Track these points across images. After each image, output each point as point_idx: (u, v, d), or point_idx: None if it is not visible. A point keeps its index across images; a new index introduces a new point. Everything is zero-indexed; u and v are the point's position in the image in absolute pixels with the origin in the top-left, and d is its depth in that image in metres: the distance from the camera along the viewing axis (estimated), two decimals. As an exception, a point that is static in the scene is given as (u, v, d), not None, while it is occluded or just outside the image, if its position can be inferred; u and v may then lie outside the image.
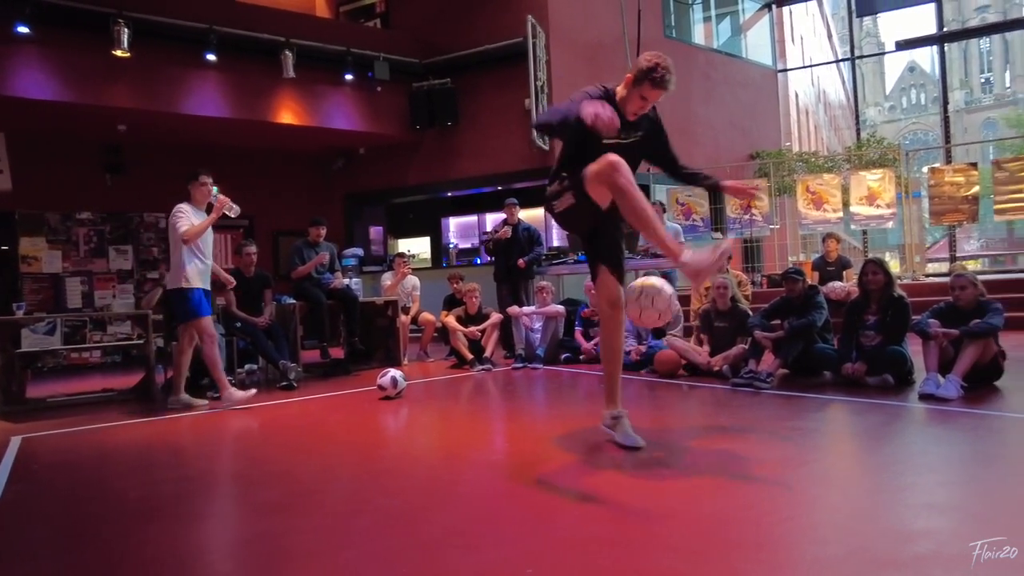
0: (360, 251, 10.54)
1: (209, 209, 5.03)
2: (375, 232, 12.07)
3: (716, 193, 10.77)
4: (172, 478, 3.17)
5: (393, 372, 5.04)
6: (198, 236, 4.90)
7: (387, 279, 7.84)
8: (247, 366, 6.53)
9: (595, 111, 2.59)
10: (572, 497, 2.59)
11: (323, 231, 6.94)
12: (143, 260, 9.95)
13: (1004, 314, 4.23)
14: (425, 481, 2.94)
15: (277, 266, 10.86)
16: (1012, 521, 2.09)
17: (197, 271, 4.93)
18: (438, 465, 3.23)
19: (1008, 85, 62.33)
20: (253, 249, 6.39)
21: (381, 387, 4.97)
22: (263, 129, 9.69)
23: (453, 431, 4.10)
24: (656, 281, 3.21)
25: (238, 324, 6.09)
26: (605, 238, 3.30)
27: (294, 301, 6.65)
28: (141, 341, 5.94)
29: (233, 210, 4.99)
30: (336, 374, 6.52)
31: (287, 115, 9.55)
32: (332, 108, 9.99)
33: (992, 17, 56.39)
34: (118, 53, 7.81)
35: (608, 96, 3.07)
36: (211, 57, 8.59)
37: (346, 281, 7.17)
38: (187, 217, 4.90)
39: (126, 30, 7.81)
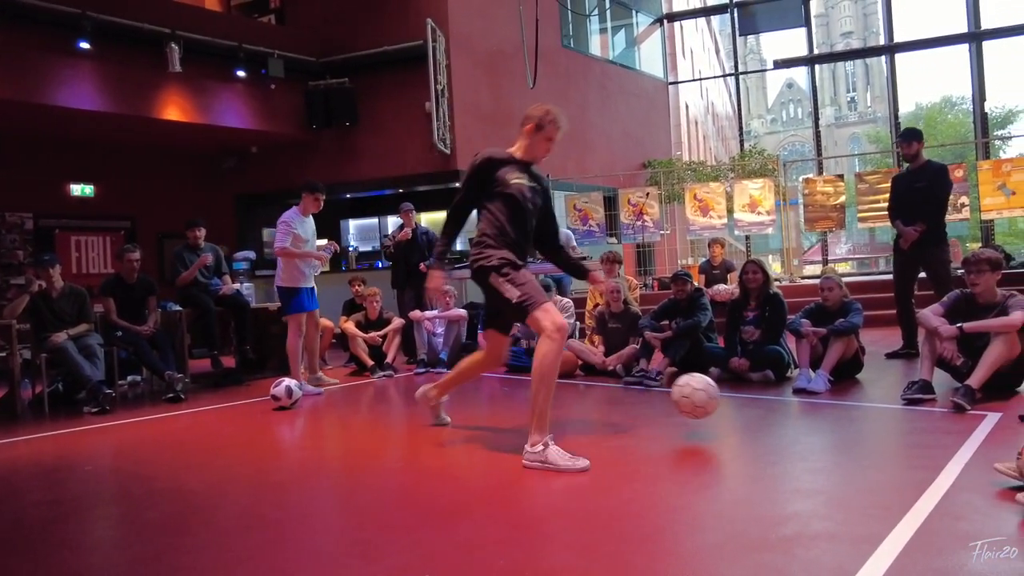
0: (252, 254, 10.11)
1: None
2: (268, 234, 11.63)
3: (611, 201, 11.22)
4: (43, 501, 2.93)
5: (288, 381, 4.89)
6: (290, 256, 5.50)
7: None
8: (130, 377, 6.14)
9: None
10: (471, 501, 2.63)
11: (202, 232, 6.57)
12: (6, 265, 9.09)
13: (864, 313, 4.68)
14: (322, 492, 2.89)
15: (162, 271, 10.24)
16: (865, 501, 2.33)
17: (300, 272, 5.48)
18: (336, 475, 3.18)
19: (869, 104, 68.48)
20: (136, 255, 5.98)
21: (275, 397, 4.81)
22: (146, 125, 9.11)
23: (352, 440, 4.04)
24: (695, 383, 3.36)
25: (119, 333, 5.71)
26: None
27: (180, 308, 6.31)
28: (4, 354, 5.44)
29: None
30: (227, 384, 6.23)
31: (173, 111, 9.03)
32: (223, 105, 9.55)
33: (855, 43, 61.97)
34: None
35: (512, 160, 3.28)
36: (85, 45, 7.99)
37: (236, 286, 6.87)
38: (287, 232, 5.38)
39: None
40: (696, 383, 3.35)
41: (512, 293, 3.02)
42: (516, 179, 3.21)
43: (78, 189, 9.87)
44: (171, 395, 5.38)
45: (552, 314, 2.99)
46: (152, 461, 3.65)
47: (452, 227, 3.40)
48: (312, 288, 5.71)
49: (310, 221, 5.66)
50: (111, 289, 5.84)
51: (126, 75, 8.55)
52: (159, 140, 9.99)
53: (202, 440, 4.13)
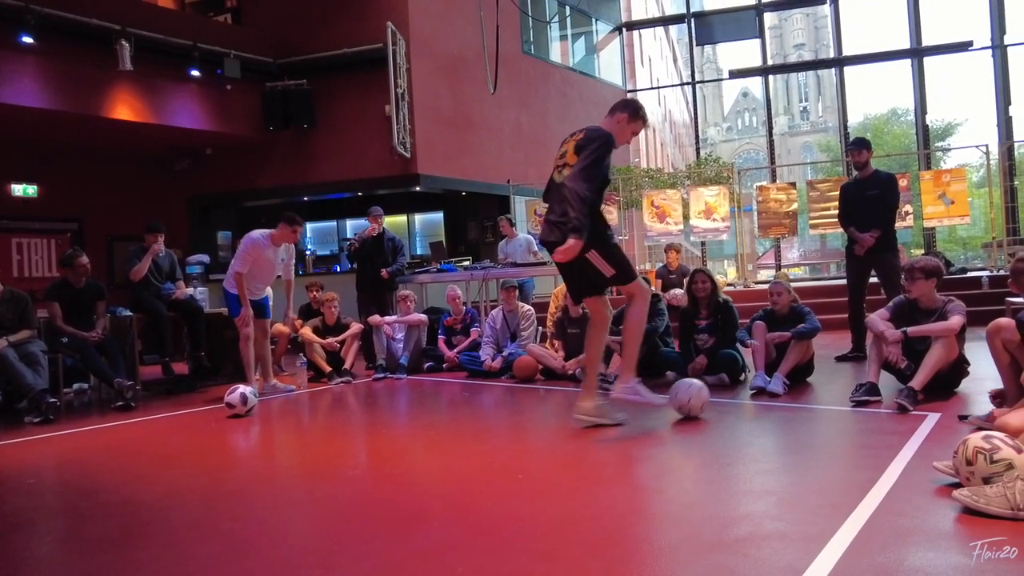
0: (206, 258, 9.90)
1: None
2: (223, 237, 11.40)
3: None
4: (-19, 516, 2.81)
5: (243, 388, 4.79)
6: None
7: None
8: (76, 385, 5.93)
9: None
10: (429, 507, 2.63)
11: (159, 238, 6.25)
12: (-57, 267, 8.70)
13: (817, 316, 4.82)
14: (279, 501, 2.84)
15: (112, 275, 9.94)
16: (814, 500, 2.40)
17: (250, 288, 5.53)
18: (293, 484, 3.13)
19: (821, 114, 70.70)
20: (85, 260, 5.74)
21: (230, 404, 4.70)
22: (95, 124, 8.82)
23: (309, 448, 3.98)
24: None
25: (64, 339, 5.50)
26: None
27: (131, 313, 6.12)
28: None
29: None
30: (180, 392, 6.07)
31: (124, 111, 8.77)
32: (176, 105, 9.32)
33: (807, 55, 63.97)
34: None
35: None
36: (27, 40, 7.70)
37: (190, 291, 6.70)
38: (248, 259, 5.43)
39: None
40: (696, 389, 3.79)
41: (607, 269, 3.57)
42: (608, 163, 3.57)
43: (20, 189, 9.50)
44: (121, 403, 5.21)
45: (641, 282, 3.72)
46: (99, 473, 3.53)
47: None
48: (263, 299, 5.80)
49: (282, 248, 5.64)
50: (57, 293, 5.62)
51: (73, 72, 8.27)
52: (109, 140, 9.68)
53: (153, 450, 4.02)
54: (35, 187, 9.62)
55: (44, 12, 7.80)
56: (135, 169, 10.55)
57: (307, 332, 6.44)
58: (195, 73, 9.17)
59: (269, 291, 6.05)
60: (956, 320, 3.81)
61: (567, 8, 14.21)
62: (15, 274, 9.27)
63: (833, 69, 16.15)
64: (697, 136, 17.10)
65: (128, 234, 10.26)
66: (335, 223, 12.13)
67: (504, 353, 6.09)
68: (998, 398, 3.27)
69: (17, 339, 5.11)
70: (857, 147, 5.84)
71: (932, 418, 3.45)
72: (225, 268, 10.46)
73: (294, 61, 10.07)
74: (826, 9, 16.05)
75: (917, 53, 13.44)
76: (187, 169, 10.75)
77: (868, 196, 5.71)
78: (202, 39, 9.25)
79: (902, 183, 9.59)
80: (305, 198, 11.21)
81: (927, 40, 13.55)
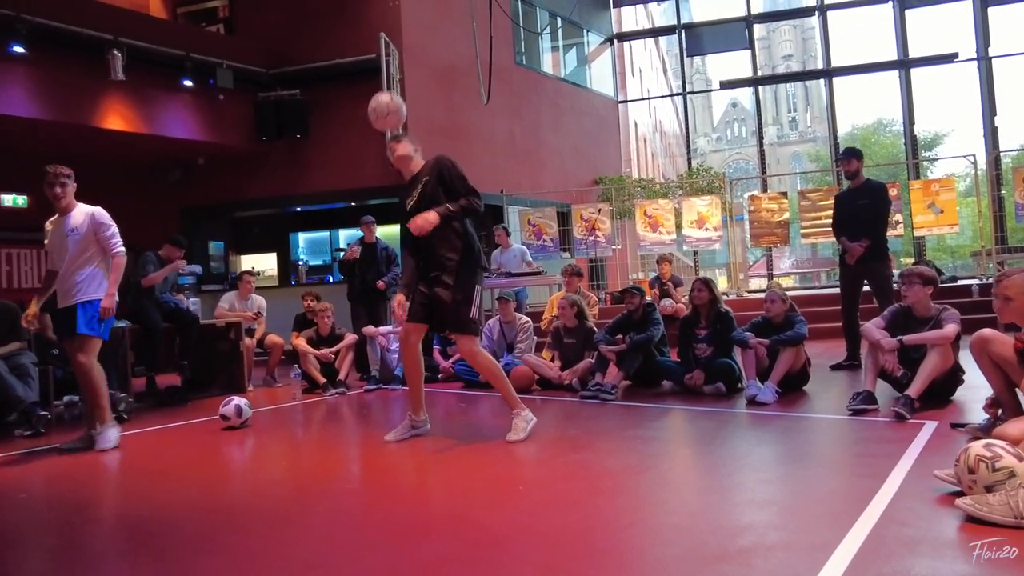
0: (199, 269, 9.82)
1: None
2: (215, 248, 11.33)
3: (564, 216, 11.36)
4: (-28, 532, 2.76)
5: (237, 400, 4.74)
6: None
7: (225, 302, 7.30)
8: (67, 397, 5.85)
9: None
10: (430, 520, 2.60)
11: (181, 253, 6.28)
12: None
13: (808, 325, 4.84)
14: (275, 515, 2.80)
15: (101, 285, 9.84)
16: (817, 510, 2.40)
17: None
18: (289, 497, 3.09)
19: (809, 124, 71.38)
20: None
21: (224, 416, 4.66)
22: (86, 134, 8.77)
23: (305, 460, 3.94)
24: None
25: (55, 351, 5.44)
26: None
27: (127, 323, 6.06)
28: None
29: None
30: (172, 404, 6.00)
31: (115, 120, 8.73)
32: (168, 115, 9.28)
33: (795, 66, 64.69)
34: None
35: None
36: (19, 49, 7.66)
37: (182, 299, 6.65)
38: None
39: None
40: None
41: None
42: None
43: (9, 200, 9.42)
44: (114, 416, 5.13)
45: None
46: (93, 487, 3.49)
47: None
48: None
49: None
50: (49, 305, 5.55)
51: (64, 81, 8.23)
52: (100, 150, 9.62)
53: (147, 463, 3.96)
54: (24, 197, 9.53)
55: (36, 22, 7.76)
56: (127, 180, 10.47)
57: (301, 343, 6.39)
58: (187, 83, 9.15)
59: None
60: (951, 328, 3.83)
61: (559, 19, 14.30)
62: (4, 285, 9.18)
63: (822, 80, 16.32)
64: (688, 146, 17.21)
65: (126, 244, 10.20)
66: (328, 233, 12.08)
67: (501, 363, 6.06)
68: (994, 406, 3.28)
69: (6, 351, 5.04)
70: (847, 157, 5.89)
71: (930, 426, 3.46)
72: (217, 279, 10.47)
73: (287, 71, 10.07)
74: (814, 21, 16.23)
75: (904, 64, 13.61)
76: (179, 179, 10.70)
77: (859, 205, 5.75)
78: (195, 49, 9.23)
79: (892, 192, 9.68)
80: (297, 208, 11.18)
81: (914, 52, 13.74)
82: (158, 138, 9.29)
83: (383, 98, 3.95)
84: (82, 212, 4.33)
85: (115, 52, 8.24)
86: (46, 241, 4.41)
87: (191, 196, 10.75)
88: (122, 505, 3.03)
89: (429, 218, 3.63)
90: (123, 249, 4.38)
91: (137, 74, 8.57)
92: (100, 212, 4.37)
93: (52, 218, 4.38)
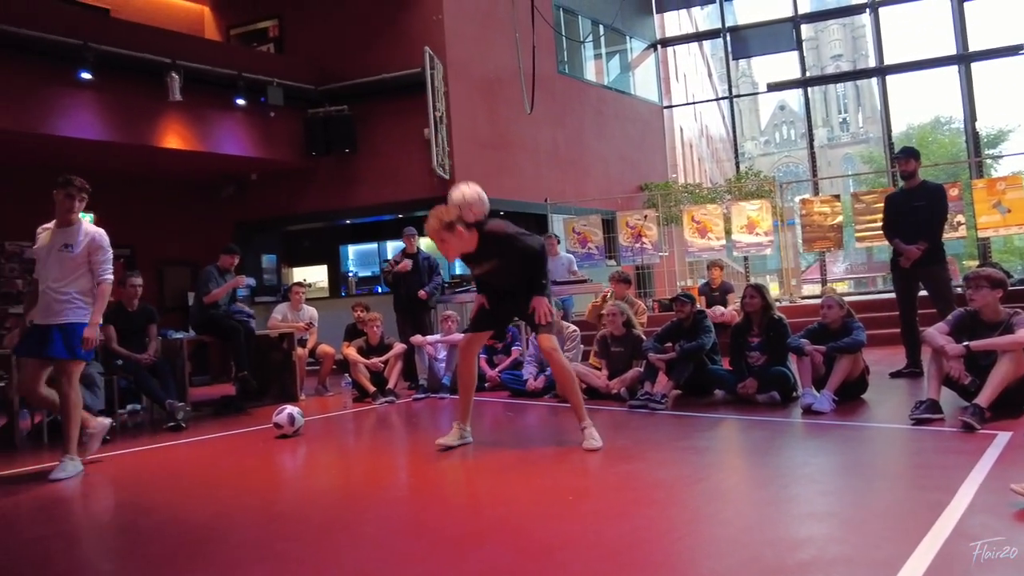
0: (252, 281, 10.09)
1: None
2: (268, 261, 11.64)
3: (609, 223, 11.27)
4: (41, 536, 2.88)
5: (290, 409, 4.84)
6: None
7: (278, 313, 7.50)
8: (130, 406, 6.07)
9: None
10: (480, 529, 2.59)
11: (235, 260, 6.52)
12: (5, 293, 9.06)
13: (866, 331, 4.67)
14: (328, 523, 2.84)
15: (162, 299, 10.22)
16: (881, 524, 2.30)
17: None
18: (341, 505, 3.13)
19: (861, 125, 69.28)
20: (138, 281, 5.98)
21: (277, 425, 4.76)
22: (146, 154, 9.15)
23: (355, 468, 3.99)
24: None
25: (119, 362, 5.67)
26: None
27: (182, 335, 6.27)
28: (3, 383, 5.39)
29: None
30: (228, 413, 6.18)
31: (173, 139, 9.08)
32: (222, 133, 9.61)
33: (845, 66, 62.91)
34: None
35: None
36: (86, 76, 8.06)
37: (244, 307, 6.85)
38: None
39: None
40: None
41: None
42: None
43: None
44: (172, 424, 5.33)
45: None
46: (154, 492, 3.60)
47: None
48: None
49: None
50: (112, 317, 5.79)
51: (127, 104, 8.61)
52: (159, 168, 10.04)
53: (205, 470, 4.08)
54: (91, 215, 9.97)
55: (101, 49, 8.16)
56: (183, 196, 10.89)
57: (351, 352, 6.50)
58: (240, 101, 9.45)
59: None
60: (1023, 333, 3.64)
61: (601, 27, 14.26)
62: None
63: (875, 79, 15.82)
64: (736, 150, 16.92)
65: (177, 259, 10.59)
66: (376, 245, 12.28)
67: (547, 372, 6.04)
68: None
69: None
70: (905, 156, 5.68)
71: (1003, 437, 3.28)
72: (270, 291, 10.74)
73: (334, 87, 10.30)
74: (864, 19, 15.77)
75: (964, 59, 13.08)
76: (233, 195, 11.04)
77: (915, 207, 5.53)
78: (247, 68, 9.54)
79: (952, 192, 9.28)
80: (347, 221, 11.39)
81: (974, 45, 13.19)
82: (213, 155, 9.61)
83: (467, 191, 3.90)
84: (82, 231, 4.10)
85: (173, 74, 8.59)
86: (35, 247, 4.16)
87: (244, 211, 11.08)
88: (182, 509, 3.12)
89: (544, 306, 3.90)
90: (111, 276, 4.13)
91: (193, 94, 8.90)
92: (101, 235, 4.15)
93: (46, 225, 4.16)
